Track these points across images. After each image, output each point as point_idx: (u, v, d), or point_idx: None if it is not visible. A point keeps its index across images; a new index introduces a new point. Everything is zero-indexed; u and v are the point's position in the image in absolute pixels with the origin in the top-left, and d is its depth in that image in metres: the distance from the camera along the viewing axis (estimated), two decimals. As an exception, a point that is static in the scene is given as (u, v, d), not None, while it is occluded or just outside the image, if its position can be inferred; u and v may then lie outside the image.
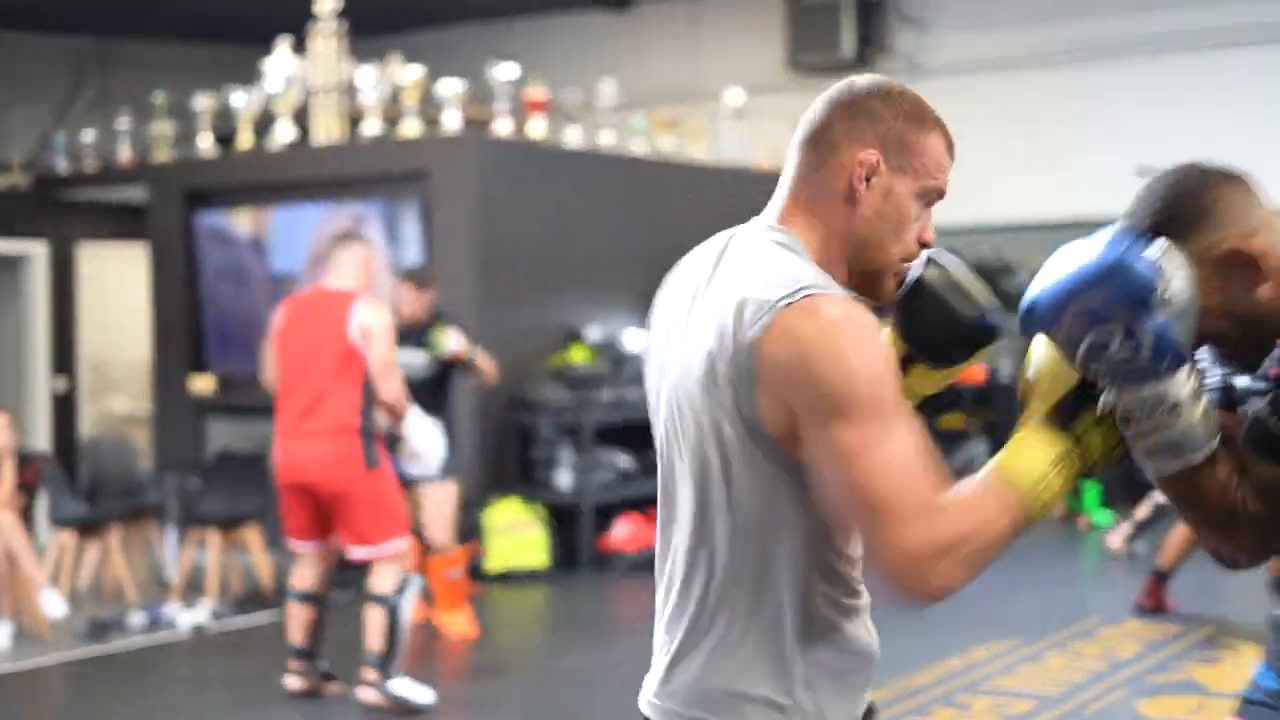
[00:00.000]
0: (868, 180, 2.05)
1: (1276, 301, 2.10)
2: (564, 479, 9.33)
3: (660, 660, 2.15)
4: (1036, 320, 2.07)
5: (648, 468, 9.85)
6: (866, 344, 1.91)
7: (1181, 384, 2.02)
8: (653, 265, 11.25)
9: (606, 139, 10.85)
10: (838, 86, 2.15)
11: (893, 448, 1.88)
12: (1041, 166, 12.74)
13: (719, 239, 2.21)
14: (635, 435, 9.85)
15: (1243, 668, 6.79)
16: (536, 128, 10.17)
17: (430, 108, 9.86)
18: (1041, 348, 2.09)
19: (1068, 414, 2.03)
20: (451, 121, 9.70)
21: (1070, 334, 2.03)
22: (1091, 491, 11.31)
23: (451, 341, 7.42)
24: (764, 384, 1.93)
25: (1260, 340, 2.10)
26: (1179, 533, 7.80)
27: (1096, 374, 2.03)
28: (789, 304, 1.92)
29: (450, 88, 9.71)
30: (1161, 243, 2.06)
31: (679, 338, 2.14)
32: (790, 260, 2.03)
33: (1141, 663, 6.91)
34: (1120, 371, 2.01)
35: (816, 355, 1.89)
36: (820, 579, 2.01)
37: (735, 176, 11.71)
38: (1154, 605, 7.88)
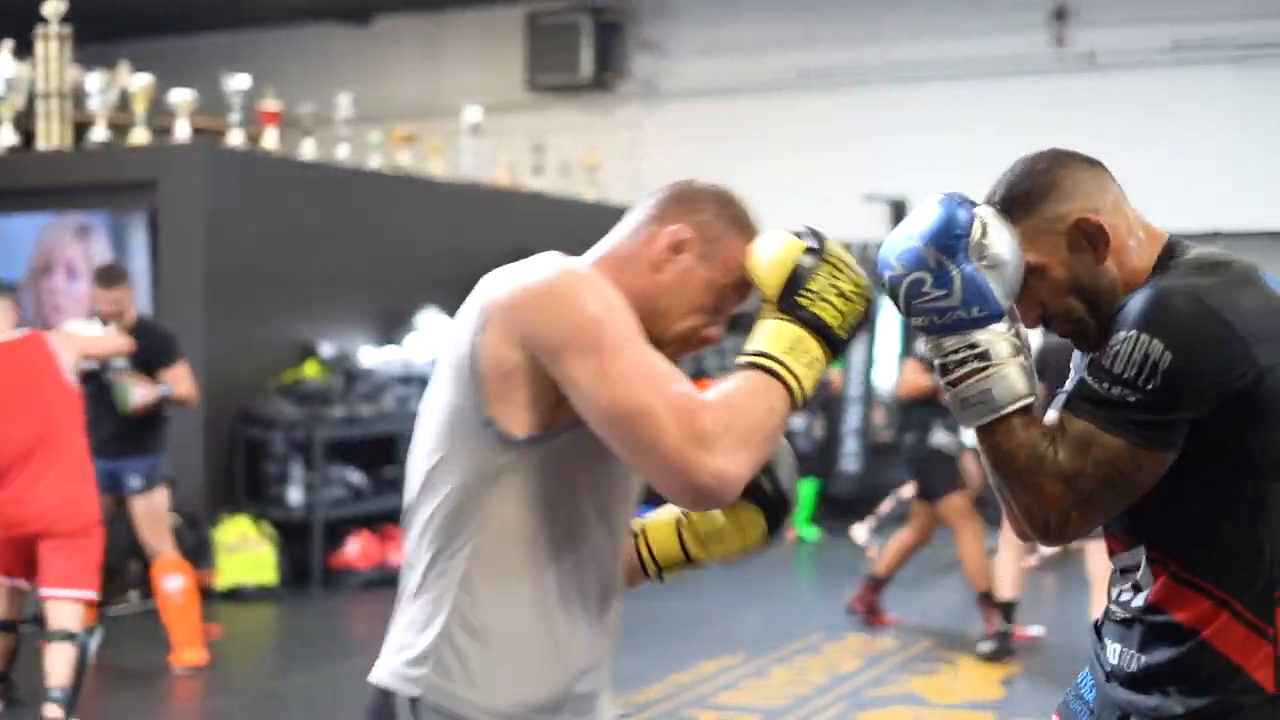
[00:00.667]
0: (674, 253, 2.17)
1: (1115, 279, 2.23)
2: (295, 495, 9.19)
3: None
4: (879, 272, 2.23)
5: (380, 484, 9.77)
6: (587, 287, 2.05)
7: (996, 335, 2.16)
8: (389, 281, 11.24)
9: (344, 153, 10.74)
10: (681, 180, 2.29)
11: (632, 363, 1.98)
12: (773, 191, 12.99)
13: None
14: (368, 451, 9.76)
15: (959, 679, 7.05)
16: (271, 139, 10.02)
17: (161, 116, 9.63)
18: (765, 246, 2.17)
19: (791, 291, 2.11)
20: (182, 131, 9.50)
21: (894, 278, 2.20)
22: (801, 510, 11.62)
23: (135, 396, 7.09)
24: (491, 338, 2.07)
25: (1101, 323, 2.23)
26: (898, 540, 8.07)
27: (919, 321, 2.19)
28: (515, 272, 2.12)
29: (181, 96, 9.51)
30: (986, 208, 2.22)
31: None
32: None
33: (863, 676, 7.11)
34: (933, 312, 2.17)
35: (542, 298, 2.04)
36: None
37: (474, 193, 11.71)
38: (865, 609, 8.13)
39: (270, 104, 10.13)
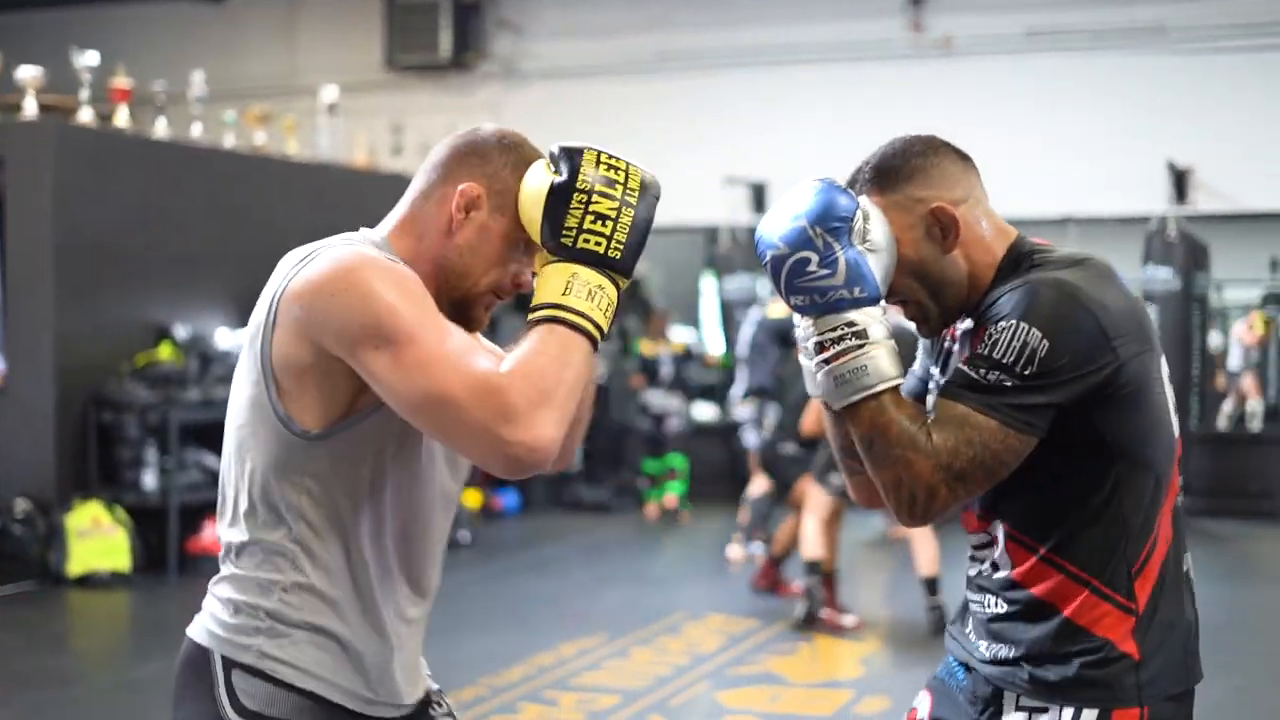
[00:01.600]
0: (467, 212, 2.18)
1: (961, 270, 2.31)
2: (149, 480, 9.04)
3: None
4: (761, 251, 2.28)
5: (237, 469, 9.64)
6: (374, 275, 2.05)
7: (872, 317, 2.24)
8: (245, 262, 11.08)
9: (198, 132, 10.56)
10: (465, 129, 2.28)
11: (428, 350, 2.00)
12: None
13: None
14: (223, 435, 9.62)
15: (818, 658, 7.13)
16: (122, 118, 9.82)
17: (8, 94, 9.40)
18: (524, 187, 2.17)
19: (553, 232, 2.10)
20: (29, 108, 9.27)
21: (778, 256, 2.24)
22: (678, 486, 11.70)
23: None
24: (282, 335, 2.08)
25: (943, 309, 2.34)
26: (788, 525, 8.21)
27: (799, 300, 2.24)
28: (308, 259, 2.12)
29: (28, 72, 9.28)
30: (864, 197, 2.30)
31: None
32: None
33: (723, 655, 7.17)
34: (815, 291, 2.22)
35: (331, 294, 2.04)
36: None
37: (331, 174, 11.58)
38: (769, 585, 8.29)
39: (121, 81, 9.92)
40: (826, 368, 2.25)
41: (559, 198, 2.09)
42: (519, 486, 12.00)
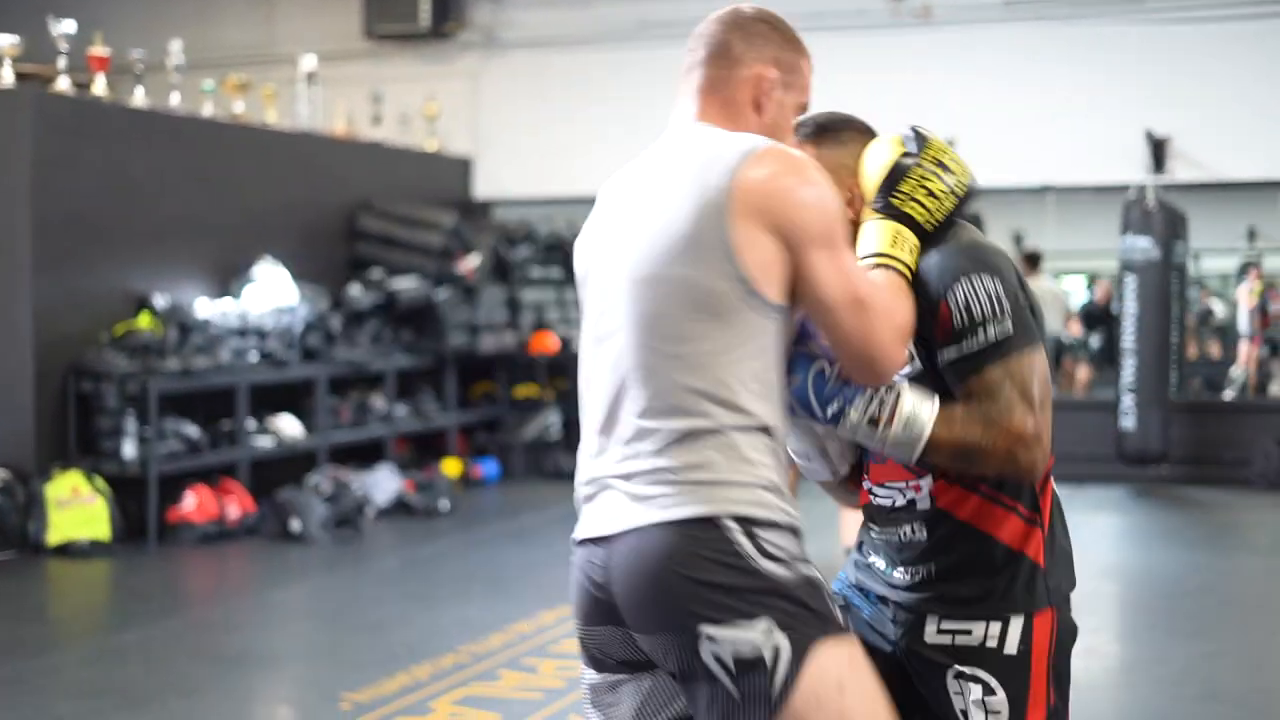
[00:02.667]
0: (769, 94, 2.48)
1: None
2: (129, 449, 9.03)
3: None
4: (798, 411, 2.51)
5: (217, 437, 9.65)
6: (822, 179, 2.37)
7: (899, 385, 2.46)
8: (224, 231, 11.06)
9: (176, 101, 10.53)
10: (728, 10, 2.54)
11: (853, 259, 2.39)
12: (612, 141, 13.05)
13: (651, 151, 2.50)
14: (205, 404, 9.63)
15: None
16: (100, 86, 9.79)
17: (-16, 61, 9.35)
18: (872, 152, 2.54)
19: (887, 190, 2.49)
20: (6, 77, 9.24)
21: (801, 395, 2.47)
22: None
23: None
24: (740, 221, 2.30)
25: None
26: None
27: (836, 408, 2.44)
28: (752, 150, 2.34)
29: (4, 40, 9.24)
30: None
31: (633, 227, 2.42)
32: (733, 133, 2.42)
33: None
34: (843, 392, 2.44)
35: (797, 192, 2.32)
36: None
37: (311, 143, 11.56)
38: None
39: (99, 50, 9.88)
40: (886, 436, 2.42)
41: (901, 169, 2.48)
42: (499, 456, 12.01)
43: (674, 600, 2.28)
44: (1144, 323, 11.23)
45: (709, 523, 2.29)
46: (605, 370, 2.42)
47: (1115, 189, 11.82)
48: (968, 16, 12.41)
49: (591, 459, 2.46)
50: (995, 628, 2.50)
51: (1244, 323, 13.68)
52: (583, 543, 2.45)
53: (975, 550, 2.52)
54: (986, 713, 2.50)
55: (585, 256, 2.54)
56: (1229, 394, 13.33)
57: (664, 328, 2.34)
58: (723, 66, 2.48)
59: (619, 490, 2.38)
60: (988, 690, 2.49)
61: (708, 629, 2.26)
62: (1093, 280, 17.28)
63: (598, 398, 2.44)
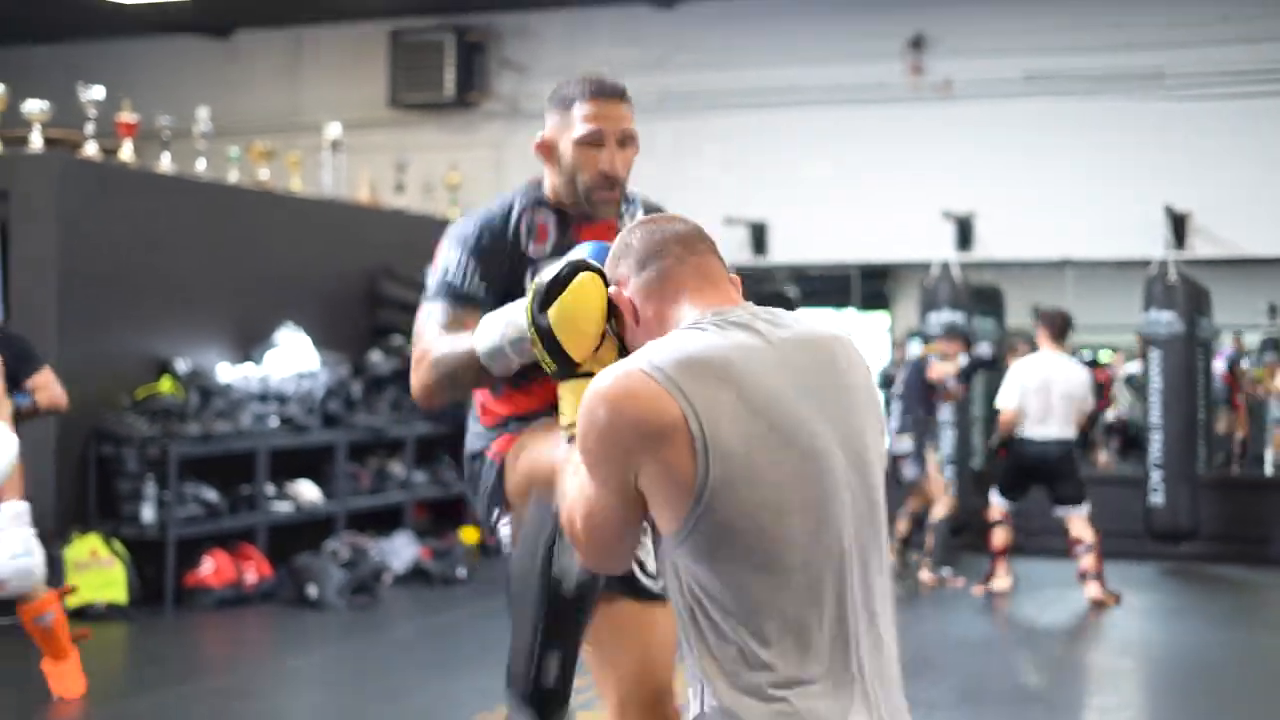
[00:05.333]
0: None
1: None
2: (148, 513, 9.05)
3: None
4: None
5: (236, 502, 9.66)
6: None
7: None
8: (247, 296, 11.11)
9: (202, 167, 10.62)
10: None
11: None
12: (635, 213, 13.09)
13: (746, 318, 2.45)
14: (223, 469, 9.64)
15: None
16: (127, 152, 9.87)
17: (15, 127, 9.45)
18: None
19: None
20: (35, 141, 9.33)
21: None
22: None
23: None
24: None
25: None
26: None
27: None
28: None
29: (35, 106, 9.34)
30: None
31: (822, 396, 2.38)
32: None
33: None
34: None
35: None
36: None
37: (335, 210, 11.64)
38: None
39: (127, 116, 9.98)
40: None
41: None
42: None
43: None
44: (1169, 398, 11.21)
45: None
46: None
47: (1135, 264, 11.83)
48: (988, 91, 12.47)
49: None
50: None
51: (1276, 408, 13.62)
52: None
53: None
54: None
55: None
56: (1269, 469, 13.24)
57: None
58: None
59: None
60: None
61: None
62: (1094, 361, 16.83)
63: None
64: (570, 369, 2.69)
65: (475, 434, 3.40)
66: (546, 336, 2.68)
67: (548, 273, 2.71)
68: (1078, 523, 9.61)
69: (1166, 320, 11.21)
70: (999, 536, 9.85)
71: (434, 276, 3.25)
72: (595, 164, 3.26)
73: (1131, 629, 9.14)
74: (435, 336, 3.16)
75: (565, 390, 2.72)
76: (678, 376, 2.25)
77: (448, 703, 6.89)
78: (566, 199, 3.34)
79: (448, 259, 3.26)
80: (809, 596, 2.25)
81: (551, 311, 2.66)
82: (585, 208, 3.32)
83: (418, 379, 3.16)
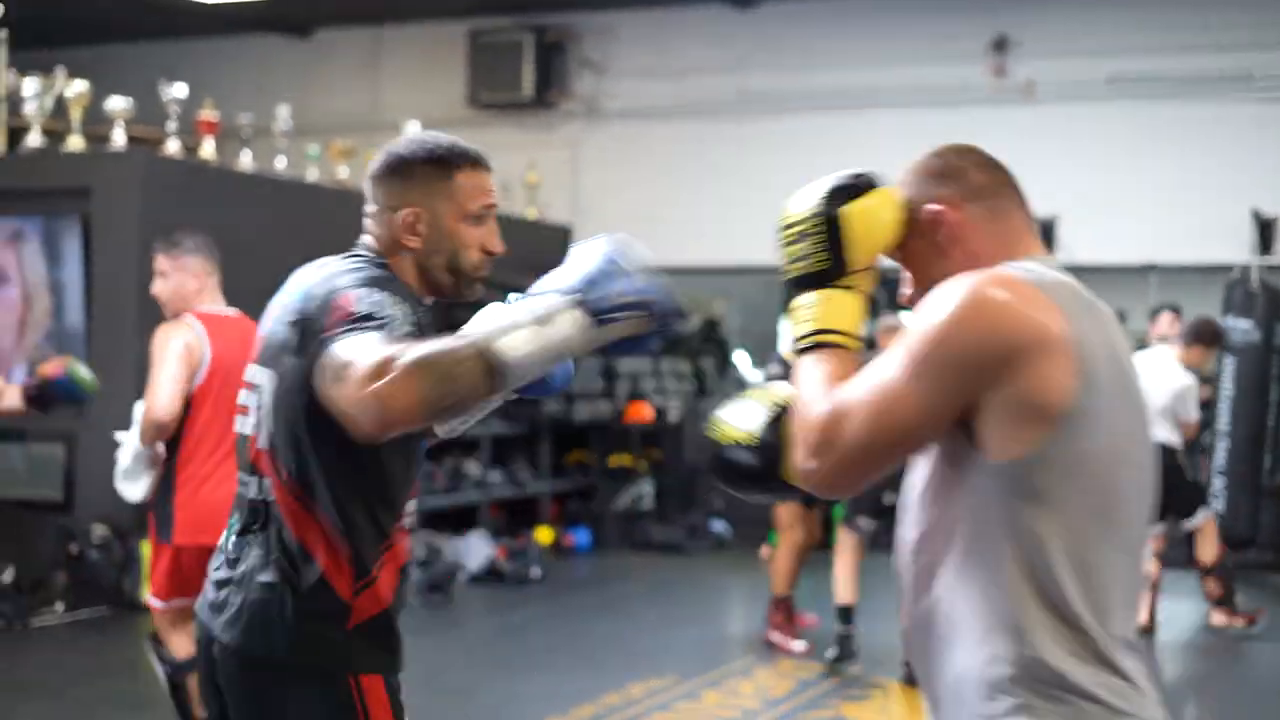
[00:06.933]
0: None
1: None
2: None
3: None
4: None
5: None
6: None
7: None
8: (324, 295, 11.06)
9: (281, 165, 10.68)
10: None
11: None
12: (710, 211, 13.07)
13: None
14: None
15: (891, 704, 7.07)
16: (208, 150, 9.95)
17: (97, 124, 9.55)
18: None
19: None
20: (118, 139, 9.41)
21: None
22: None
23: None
24: None
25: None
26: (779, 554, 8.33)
27: None
28: None
29: (117, 104, 9.42)
30: None
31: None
32: None
33: (794, 700, 7.11)
34: None
35: None
36: None
37: (411, 209, 11.66)
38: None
39: (208, 114, 10.05)
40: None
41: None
42: (591, 525, 11.99)
43: None
44: (1239, 405, 11.03)
45: None
46: None
47: (1219, 269, 11.66)
48: (1071, 93, 12.33)
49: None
50: None
51: None
52: None
53: None
54: None
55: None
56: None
57: None
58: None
59: None
60: None
61: None
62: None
63: None
64: (839, 270, 2.34)
65: (311, 615, 2.76)
66: (832, 226, 2.34)
67: (840, 174, 2.39)
68: (1198, 539, 9.22)
69: (1244, 328, 11.01)
70: None
71: (356, 315, 2.59)
72: (481, 242, 2.91)
73: (1179, 635, 9.00)
74: (390, 344, 2.46)
75: (818, 298, 2.37)
76: (1060, 295, 2.15)
77: (517, 703, 6.88)
78: (432, 284, 2.90)
79: (375, 301, 2.64)
80: (1134, 557, 2.12)
81: (849, 206, 2.34)
82: (455, 293, 2.90)
83: (393, 398, 2.34)
